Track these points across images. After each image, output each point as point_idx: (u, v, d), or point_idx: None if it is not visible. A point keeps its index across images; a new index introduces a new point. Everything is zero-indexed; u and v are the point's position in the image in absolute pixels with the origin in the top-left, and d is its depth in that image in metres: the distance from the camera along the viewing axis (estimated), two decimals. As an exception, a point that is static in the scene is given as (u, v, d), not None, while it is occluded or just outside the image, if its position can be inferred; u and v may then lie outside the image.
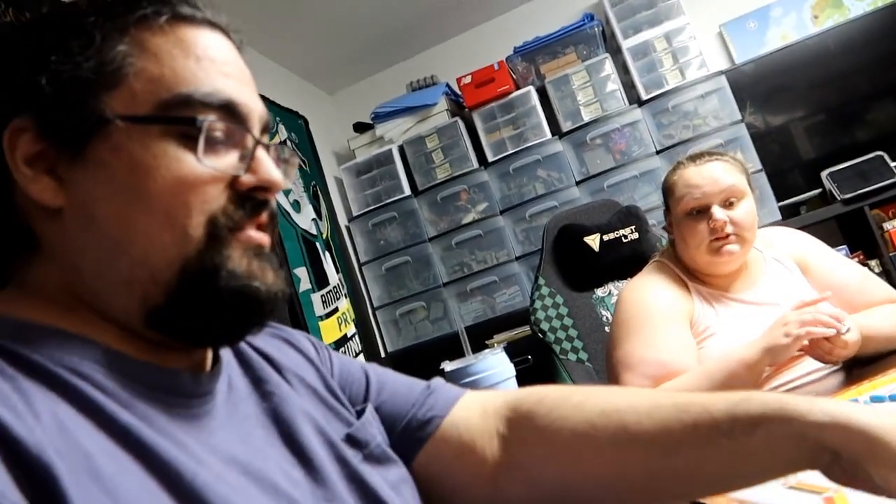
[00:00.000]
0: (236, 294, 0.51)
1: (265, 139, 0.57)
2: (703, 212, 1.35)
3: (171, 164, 0.50)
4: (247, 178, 0.53)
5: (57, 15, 0.53)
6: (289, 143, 2.88)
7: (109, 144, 0.50)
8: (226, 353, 0.61)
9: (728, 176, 1.35)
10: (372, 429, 0.66)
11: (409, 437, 0.68)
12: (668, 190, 1.44)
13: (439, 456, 0.68)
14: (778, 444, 0.54)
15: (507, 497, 0.66)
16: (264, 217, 0.55)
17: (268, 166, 0.54)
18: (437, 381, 0.75)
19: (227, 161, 0.53)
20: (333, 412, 0.65)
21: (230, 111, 0.53)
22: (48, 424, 0.41)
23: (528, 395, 0.69)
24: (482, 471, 0.67)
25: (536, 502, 0.66)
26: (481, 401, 0.71)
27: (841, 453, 0.51)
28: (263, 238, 0.55)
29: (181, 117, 0.50)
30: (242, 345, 0.64)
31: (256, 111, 0.56)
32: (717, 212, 1.32)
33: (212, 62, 0.53)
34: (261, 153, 0.55)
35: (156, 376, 0.51)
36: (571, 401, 0.66)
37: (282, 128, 2.86)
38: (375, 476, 0.61)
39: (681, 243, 1.40)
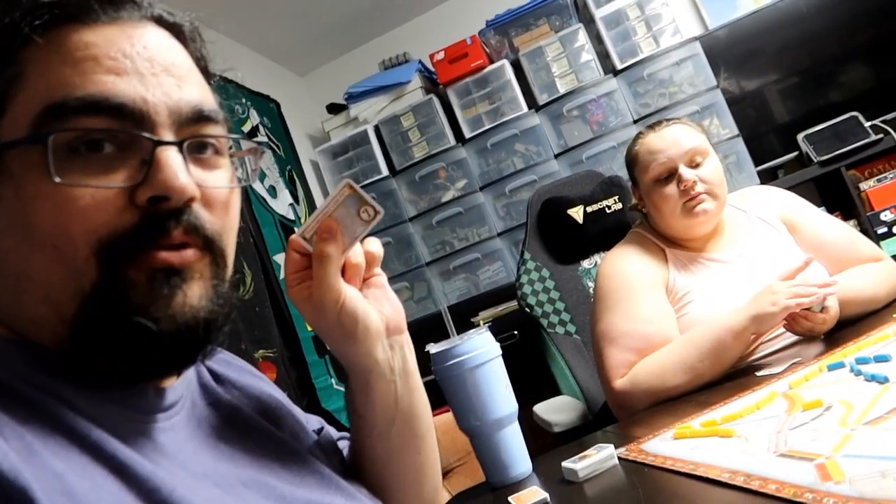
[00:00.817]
0: (144, 329, 0.46)
1: (193, 131, 0.51)
2: (670, 176, 1.35)
3: (49, 190, 0.45)
4: (142, 190, 0.46)
5: None
6: (261, 128, 2.83)
7: (3, 176, 0.46)
8: (187, 372, 0.60)
9: (689, 137, 1.36)
10: (333, 439, 0.71)
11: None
12: (632, 162, 1.44)
13: None
14: None
15: None
16: (176, 233, 0.48)
17: (166, 171, 0.47)
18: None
19: (115, 175, 0.46)
20: (299, 425, 0.68)
21: (117, 113, 0.46)
22: (16, 448, 0.39)
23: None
24: None
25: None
26: None
27: None
28: (175, 258, 0.48)
29: (36, 135, 0.45)
30: (203, 367, 0.64)
31: (164, 105, 0.49)
32: (686, 172, 1.33)
33: (94, 61, 0.47)
34: (164, 156, 0.47)
35: (120, 392, 0.50)
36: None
37: (253, 112, 2.80)
38: (345, 480, 0.63)
39: (654, 212, 1.40)
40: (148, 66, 0.49)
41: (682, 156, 1.34)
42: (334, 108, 3.35)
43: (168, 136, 0.49)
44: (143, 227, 0.46)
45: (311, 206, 3.08)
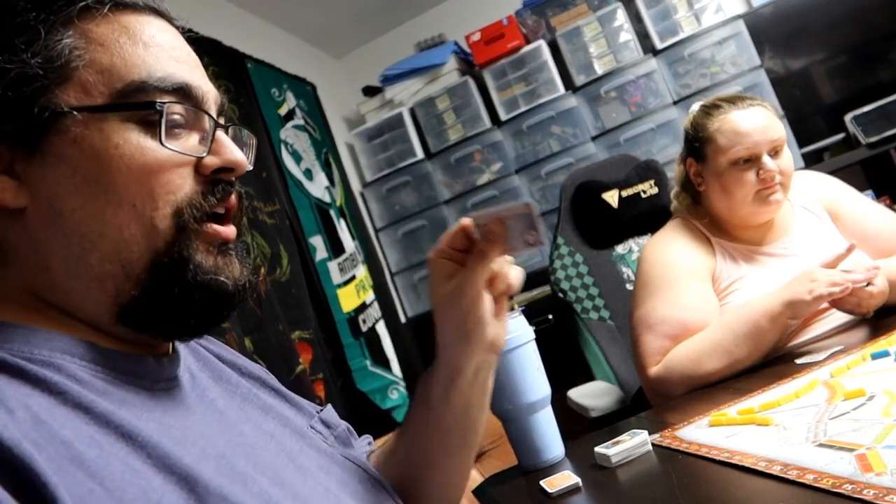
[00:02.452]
0: (205, 287, 0.51)
1: (221, 121, 0.57)
2: (750, 161, 1.29)
3: (133, 152, 0.49)
4: (210, 161, 0.53)
5: (3, 7, 0.51)
6: (298, 110, 2.84)
7: (68, 138, 0.49)
8: (181, 347, 0.61)
9: (776, 125, 1.30)
10: (336, 416, 0.71)
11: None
12: (706, 137, 1.34)
13: None
14: None
15: None
16: (233, 200, 0.55)
17: (230, 147, 0.54)
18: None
19: (189, 144, 0.53)
20: (297, 407, 0.69)
21: (186, 94, 0.52)
22: (22, 419, 0.40)
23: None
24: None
25: None
26: None
27: None
28: (227, 232, 0.54)
29: (141, 103, 0.50)
30: (197, 345, 0.66)
31: (211, 94, 0.56)
32: (769, 162, 1.27)
33: (160, 48, 0.53)
34: (221, 135, 0.55)
35: (124, 363, 0.51)
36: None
37: (290, 95, 2.82)
38: (346, 452, 0.65)
39: (720, 195, 1.34)
40: (194, 60, 0.56)
41: (768, 143, 1.28)
42: (370, 91, 3.36)
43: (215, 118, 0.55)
44: (209, 192, 0.53)
45: (347, 188, 3.10)
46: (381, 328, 2.88)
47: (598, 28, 2.95)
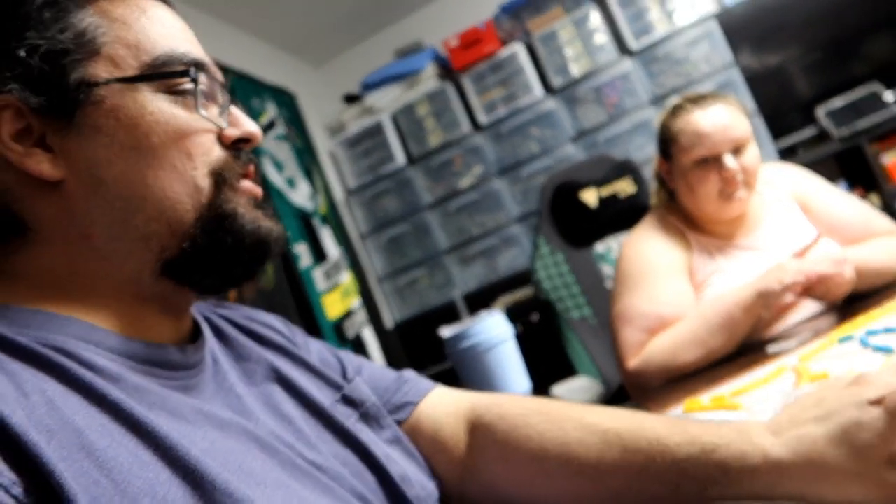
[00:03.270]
0: (253, 235, 0.55)
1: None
2: (712, 160, 1.31)
3: (168, 119, 0.53)
4: (230, 131, 0.56)
5: None
6: (278, 120, 2.86)
7: (103, 109, 0.51)
8: (206, 332, 0.61)
9: (738, 124, 1.31)
10: (366, 389, 0.67)
11: None
12: (671, 138, 1.37)
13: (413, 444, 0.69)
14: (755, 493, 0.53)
15: (469, 496, 0.68)
16: (252, 168, 0.58)
17: (246, 119, 0.58)
18: (409, 372, 0.75)
19: (213, 114, 0.56)
20: (322, 378, 0.66)
21: (204, 70, 0.56)
22: (37, 403, 0.41)
23: (491, 406, 0.69)
24: (450, 468, 0.68)
25: (496, 500, 0.67)
26: (451, 400, 0.72)
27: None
28: (258, 189, 0.58)
29: (175, 72, 0.53)
30: (221, 322, 0.66)
31: (219, 74, 0.59)
32: (730, 161, 1.29)
33: (175, 28, 0.56)
34: (235, 109, 0.58)
35: (143, 351, 0.52)
36: (530, 422, 0.65)
37: (270, 105, 2.83)
38: (369, 435, 0.62)
39: (686, 192, 1.37)
40: (199, 43, 0.59)
41: (729, 143, 1.30)
42: (350, 99, 3.38)
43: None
44: (237, 158, 0.56)
45: (330, 196, 3.11)
46: (368, 334, 2.89)
47: (573, 30, 2.99)
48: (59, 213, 0.51)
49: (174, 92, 0.53)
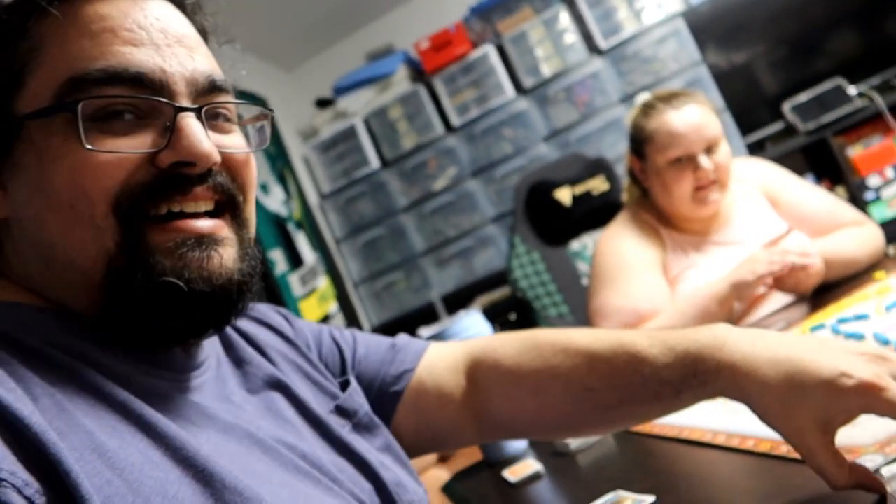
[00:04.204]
0: (165, 290, 0.47)
1: (208, 100, 0.52)
2: (686, 159, 1.33)
3: (66, 154, 0.47)
4: (165, 154, 0.48)
5: None
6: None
7: (24, 145, 0.48)
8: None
9: (710, 124, 1.33)
10: (359, 398, 0.67)
11: (385, 394, 0.71)
12: (645, 138, 1.38)
13: (418, 408, 0.71)
14: (718, 391, 0.58)
15: (485, 436, 0.73)
16: (199, 190, 0.50)
17: (191, 138, 0.48)
18: (402, 338, 0.77)
19: (140, 139, 0.48)
20: (319, 386, 0.66)
21: (137, 82, 0.48)
22: (46, 406, 0.41)
23: (486, 351, 0.72)
24: (462, 416, 0.71)
25: (511, 434, 0.76)
26: (448, 353, 0.74)
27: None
28: (201, 227, 0.49)
29: (62, 104, 0.47)
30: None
31: (181, 75, 0.50)
32: (704, 161, 1.31)
33: (111, 32, 0.49)
34: (185, 123, 0.49)
35: (150, 355, 0.51)
36: (524, 360, 0.70)
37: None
38: (363, 444, 0.62)
39: (661, 191, 1.39)
40: (162, 38, 0.50)
41: (702, 142, 1.32)
42: (322, 103, 3.36)
43: (186, 104, 0.50)
44: (158, 183, 0.48)
45: (304, 201, 3.10)
46: (346, 338, 2.88)
47: (543, 31, 3.01)
48: (11, 250, 0.51)
49: (94, 119, 0.47)
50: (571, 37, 2.99)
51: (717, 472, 0.68)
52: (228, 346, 0.63)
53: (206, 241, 0.49)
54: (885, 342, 0.80)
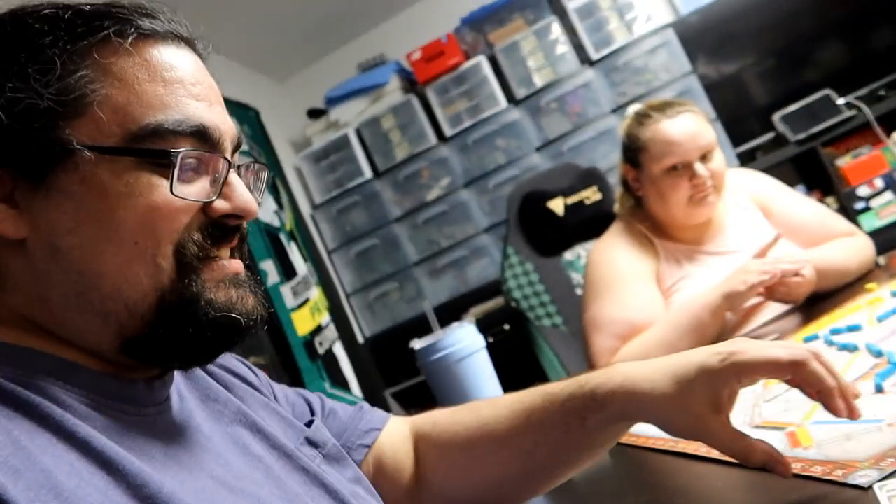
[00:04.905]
0: (216, 324, 0.51)
1: (236, 159, 0.56)
2: (682, 167, 1.33)
3: (143, 193, 0.48)
4: (220, 205, 0.52)
5: (12, 35, 0.49)
6: (242, 136, 2.83)
7: (77, 175, 0.48)
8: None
9: (705, 132, 1.34)
10: (326, 431, 0.68)
11: (352, 447, 0.72)
12: (640, 147, 1.38)
13: (376, 469, 0.72)
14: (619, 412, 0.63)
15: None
16: (235, 241, 0.54)
17: (241, 192, 0.53)
18: (366, 404, 0.79)
19: (199, 188, 0.51)
20: (286, 421, 0.66)
21: (202, 136, 0.51)
22: (2, 443, 0.40)
23: (427, 419, 0.77)
24: (409, 487, 0.73)
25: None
26: (401, 424, 0.77)
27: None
28: (238, 266, 0.54)
29: (155, 150, 0.49)
30: None
31: (228, 132, 0.54)
32: (700, 168, 1.31)
33: (181, 84, 0.51)
34: (233, 178, 0.53)
35: (113, 386, 0.50)
36: (456, 419, 0.74)
37: (232, 121, 2.80)
38: (334, 475, 0.62)
39: (656, 199, 1.39)
40: (214, 95, 0.54)
41: (698, 150, 1.32)
42: (315, 113, 3.36)
43: (230, 159, 0.54)
44: (211, 230, 0.52)
45: (297, 211, 3.09)
46: (339, 349, 2.86)
47: (534, 42, 3.02)
48: (23, 271, 0.49)
49: (157, 164, 0.49)
50: (563, 47, 3.00)
51: (713, 486, 0.68)
52: (194, 381, 0.62)
53: (241, 280, 0.54)
54: (879, 353, 0.80)
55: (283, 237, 2.80)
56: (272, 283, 2.56)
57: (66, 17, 0.49)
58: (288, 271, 2.72)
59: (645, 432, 0.87)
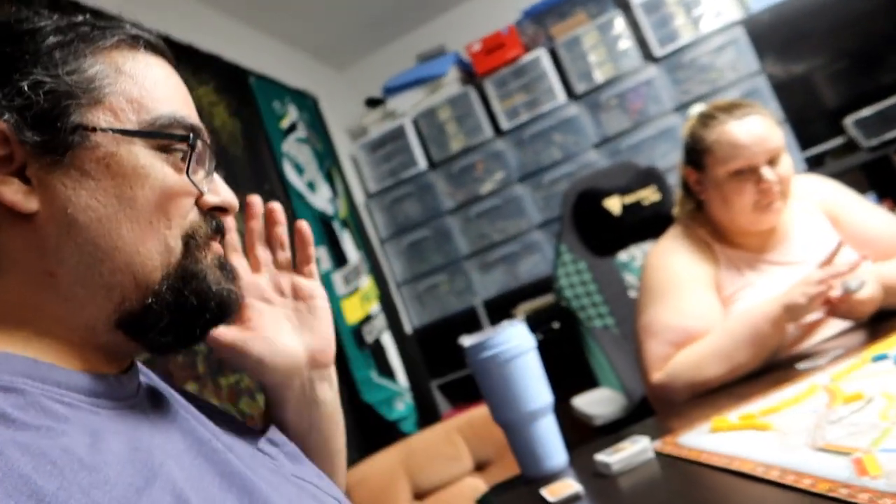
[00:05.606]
0: (217, 296, 0.56)
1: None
2: (748, 171, 1.28)
3: (157, 177, 0.53)
4: (210, 198, 0.58)
5: (35, 25, 0.53)
6: (300, 123, 2.86)
7: (96, 155, 0.51)
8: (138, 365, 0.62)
9: (774, 135, 1.29)
10: (282, 435, 0.68)
11: None
12: (704, 149, 1.34)
13: None
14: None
15: None
16: (219, 237, 0.59)
17: (226, 188, 0.59)
18: None
19: (199, 178, 0.57)
20: (241, 429, 0.67)
21: (198, 134, 0.57)
22: None
23: None
24: None
25: None
26: None
27: None
28: (221, 250, 0.60)
29: (175, 134, 0.54)
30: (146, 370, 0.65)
31: (207, 137, 0.60)
32: (768, 173, 1.26)
33: (175, 90, 0.58)
34: (217, 176, 0.59)
35: (87, 383, 0.51)
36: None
37: (292, 108, 2.84)
38: (300, 469, 0.64)
39: (720, 203, 1.34)
40: (195, 105, 0.60)
41: (766, 154, 1.27)
42: (372, 103, 3.38)
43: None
44: (209, 224, 0.58)
45: (350, 200, 3.11)
46: (387, 339, 2.88)
47: (597, 36, 2.97)
48: (27, 246, 0.50)
49: (167, 151, 0.54)
50: (626, 43, 2.94)
51: (770, 509, 0.65)
52: (149, 385, 0.62)
53: (225, 264, 0.59)
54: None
55: (336, 225, 2.83)
56: (324, 270, 2.58)
57: (78, 22, 0.55)
58: (340, 259, 2.75)
59: (700, 446, 0.84)
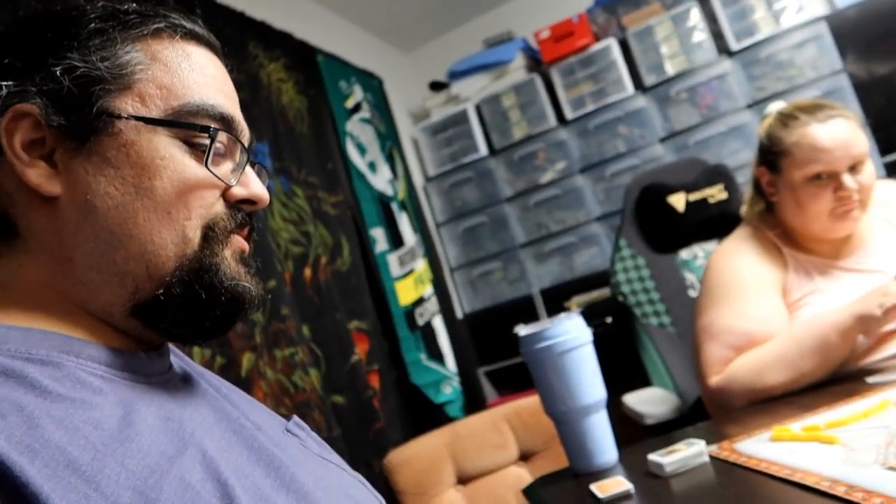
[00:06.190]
0: (229, 291, 0.55)
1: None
2: (827, 177, 1.23)
3: (177, 167, 0.53)
4: (238, 190, 0.57)
5: (81, 12, 0.54)
6: (364, 103, 2.88)
7: (118, 141, 0.52)
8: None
9: (857, 140, 1.22)
10: (302, 422, 0.69)
11: None
12: (782, 150, 1.28)
13: None
14: None
15: None
16: (246, 230, 0.59)
17: (256, 182, 0.59)
18: None
19: (224, 170, 0.57)
20: (268, 413, 0.67)
21: (229, 125, 0.57)
22: (15, 424, 0.41)
23: None
24: None
25: None
26: None
27: None
28: (246, 245, 0.59)
29: (195, 124, 0.54)
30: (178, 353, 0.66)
31: (245, 131, 0.60)
32: (849, 180, 1.21)
33: (213, 79, 0.57)
34: (249, 169, 0.59)
35: (121, 358, 0.52)
36: None
37: (357, 88, 2.86)
38: (323, 452, 0.65)
39: (793, 208, 1.29)
40: (236, 98, 0.60)
41: (848, 159, 1.22)
42: (436, 86, 3.37)
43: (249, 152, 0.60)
44: (234, 217, 0.57)
45: (410, 182, 3.13)
46: (438, 323, 2.89)
47: (670, 27, 2.88)
48: (49, 229, 0.52)
49: (190, 142, 0.54)
50: (700, 35, 2.85)
51: (833, 525, 0.63)
52: (186, 364, 0.64)
53: (247, 259, 0.59)
54: None
55: (394, 206, 2.84)
56: (380, 251, 2.61)
57: (124, 10, 0.55)
58: (396, 240, 2.76)
59: (759, 454, 0.81)
